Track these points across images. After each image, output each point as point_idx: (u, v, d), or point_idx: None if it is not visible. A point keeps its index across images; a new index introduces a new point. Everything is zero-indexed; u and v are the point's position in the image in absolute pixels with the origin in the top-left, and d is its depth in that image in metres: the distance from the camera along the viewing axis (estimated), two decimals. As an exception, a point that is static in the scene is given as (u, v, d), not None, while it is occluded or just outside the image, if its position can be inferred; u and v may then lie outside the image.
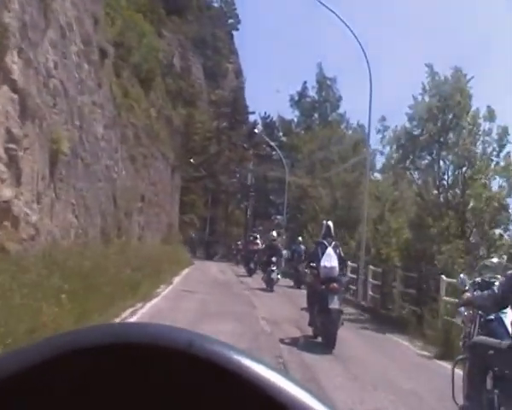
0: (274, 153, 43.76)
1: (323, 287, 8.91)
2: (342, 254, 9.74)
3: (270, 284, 19.17)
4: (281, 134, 44.01)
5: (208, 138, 46.45)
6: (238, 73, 78.39)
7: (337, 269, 9.15)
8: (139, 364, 0.60)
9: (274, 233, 22.39)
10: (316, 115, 42.91)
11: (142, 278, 14.22)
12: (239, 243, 38.01)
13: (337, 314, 8.83)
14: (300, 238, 24.31)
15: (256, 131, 37.16)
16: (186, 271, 24.15)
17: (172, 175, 35.18)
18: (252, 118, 48.64)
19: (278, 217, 46.90)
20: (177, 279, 19.78)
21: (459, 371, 4.92)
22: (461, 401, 4.62)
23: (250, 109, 48.68)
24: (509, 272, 4.08)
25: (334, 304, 8.76)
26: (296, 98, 43.07)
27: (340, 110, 40.72)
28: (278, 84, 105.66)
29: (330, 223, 9.83)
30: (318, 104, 42.44)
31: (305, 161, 30.86)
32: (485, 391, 4.20)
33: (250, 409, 0.58)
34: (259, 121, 48.24)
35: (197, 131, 51.71)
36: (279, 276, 20.41)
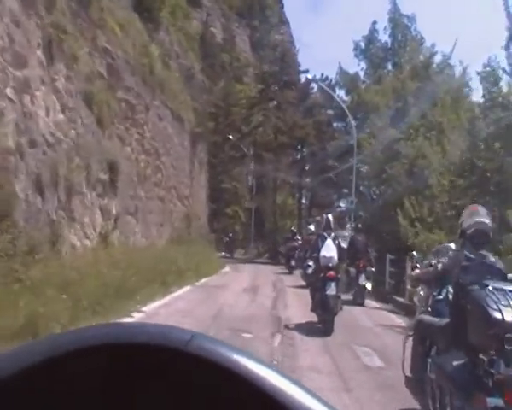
0: (335, 117, 33.33)
1: (322, 275, 9.31)
2: (342, 245, 10.22)
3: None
4: (342, 95, 33.45)
5: (251, 107, 36.30)
6: (289, 45, 67.09)
7: (335, 258, 9.48)
8: (137, 363, 0.60)
9: (311, 227, 20.61)
10: (389, 66, 32.12)
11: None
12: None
13: (334, 300, 9.17)
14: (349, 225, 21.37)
15: (308, 76, 26.58)
16: (185, 290, 14.13)
17: (193, 147, 25.35)
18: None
19: (342, 204, 36.32)
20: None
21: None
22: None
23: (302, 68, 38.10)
24: (453, 253, 4.52)
25: (331, 290, 9.12)
26: (362, 45, 32.46)
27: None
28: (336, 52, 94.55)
29: (330, 216, 10.32)
30: (392, 51, 31.65)
31: (382, 117, 20.37)
32: (426, 365, 4.50)
33: (249, 408, 0.58)
34: (315, 87, 37.76)
35: (238, 102, 41.83)
36: None
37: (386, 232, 16.13)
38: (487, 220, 4.35)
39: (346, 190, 35.79)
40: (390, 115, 19.31)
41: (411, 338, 4.96)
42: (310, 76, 26.67)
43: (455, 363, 3.92)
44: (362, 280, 13.69)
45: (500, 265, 4.23)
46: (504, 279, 4.09)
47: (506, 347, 3.59)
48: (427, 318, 4.79)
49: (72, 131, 11.88)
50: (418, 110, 17.19)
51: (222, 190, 43.54)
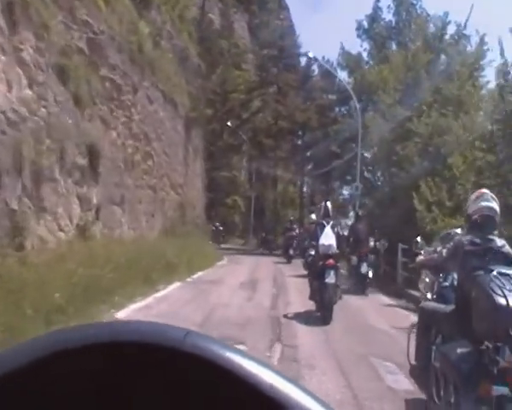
0: (337, 101, 31.82)
1: (321, 263, 9.18)
2: (341, 233, 10.25)
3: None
4: (345, 77, 31.91)
5: (249, 92, 34.74)
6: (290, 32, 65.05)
7: (334, 246, 9.31)
8: (131, 362, 0.60)
9: (313, 216, 18.52)
10: (393, 46, 30.54)
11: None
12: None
13: (333, 289, 9.03)
14: (353, 213, 19.58)
15: (310, 54, 24.99)
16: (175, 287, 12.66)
17: (187, 132, 23.87)
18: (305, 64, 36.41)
19: (344, 192, 34.99)
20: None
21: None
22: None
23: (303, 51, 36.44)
24: (457, 237, 4.35)
25: (330, 279, 8.99)
26: (366, 25, 30.88)
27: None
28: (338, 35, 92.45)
29: (329, 203, 10.10)
30: (396, 30, 30.09)
31: (390, 95, 18.78)
32: (430, 354, 4.38)
33: (244, 406, 0.59)
34: (316, 70, 36.24)
35: (237, 88, 40.26)
36: None
37: (398, 219, 14.68)
38: (494, 205, 4.19)
39: (349, 177, 34.46)
40: (399, 92, 17.76)
41: (415, 325, 4.87)
42: (311, 54, 24.82)
43: (459, 351, 3.81)
44: (364, 269, 13.31)
45: (507, 249, 4.05)
46: (511, 264, 3.93)
47: (511, 333, 3.49)
48: (432, 305, 4.73)
49: (43, 109, 10.43)
50: (431, 85, 15.70)
51: (220, 178, 42.11)
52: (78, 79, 12.15)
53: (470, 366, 3.66)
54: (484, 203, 4.19)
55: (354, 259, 13.73)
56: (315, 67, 36.00)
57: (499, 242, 4.09)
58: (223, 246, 34.54)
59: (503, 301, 3.53)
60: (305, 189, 40.67)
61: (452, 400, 3.75)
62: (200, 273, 15.40)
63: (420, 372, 4.61)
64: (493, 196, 4.31)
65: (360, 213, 19.36)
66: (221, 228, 35.38)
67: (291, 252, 24.24)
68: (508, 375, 3.54)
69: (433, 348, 4.45)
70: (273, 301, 11.18)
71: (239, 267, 19.97)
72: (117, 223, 14.58)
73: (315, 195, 35.30)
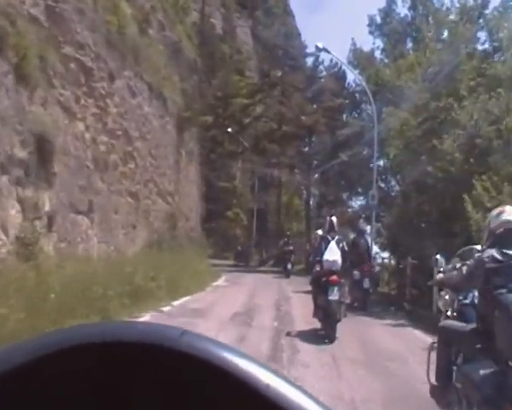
0: (347, 105, 29.01)
1: (324, 279, 9.00)
2: (346, 248, 9.72)
3: None
4: (355, 77, 29.08)
5: (252, 96, 31.98)
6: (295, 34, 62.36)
7: (339, 262, 9.11)
8: (127, 362, 0.60)
9: (319, 232, 17.20)
10: (409, 43, 27.82)
11: None
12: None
13: (337, 306, 8.84)
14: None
15: (319, 46, 22.05)
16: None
17: (180, 133, 21.08)
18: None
19: (354, 204, 32.20)
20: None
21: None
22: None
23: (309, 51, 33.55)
24: (477, 254, 4.19)
25: (334, 296, 8.81)
26: (378, 20, 28.15)
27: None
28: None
29: (334, 218, 9.87)
30: (413, 25, 27.34)
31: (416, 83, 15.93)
32: (451, 373, 4.36)
33: (240, 406, 0.58)
34: (324, 71, 33.49)
35: (239, 92, 37.54)
36: None
37: (431, 232, 11.82)
38: None
39: (359, 189, 31.62)
40: (426, 82, 14.88)
41: (436, 345, 4.66)
42: (321, 45, 22.00)
43: (482, 372, 3.73)
44: (366, 284, 13.22)
45: None
46: None
47: None
48: (453, 323, 4.58)
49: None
50: (469, 68, 12.88)
51: (220, 189, 39.34)
52: (24, 49, 9.40)
53: (493, 387, 3.56)
54: (506, 218, 4.10)
55: (356, 273, 13.38)
56: (322, 68, 33.25)
57: None
58: (219, 262, 31.78)
59: None
60: (311, 201, 37.75)
61: None
62: (185, 299, 12.54)
63: (441, 392, 4.49)
64: None
65: (362, 226, 18.15)
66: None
67: (289, 267, 24.04)
68: None
69: (454, 367, 4.36)
70: (274, 343, 8.27)
71: (236, 289, 17.10)
72: (82, 236, 11.76)
73: (322, 206, 32.36)
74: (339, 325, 8.89)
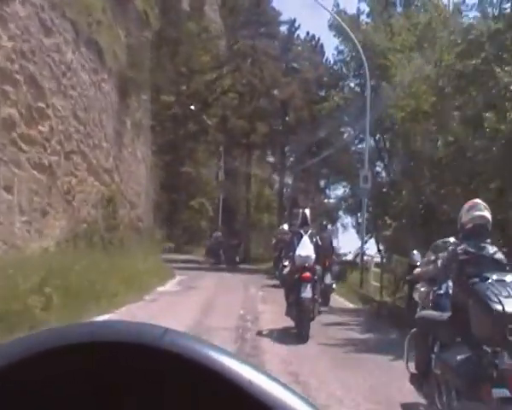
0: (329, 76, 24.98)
1: (297, 276, 8.71)
2: (319, 243, 9.53)
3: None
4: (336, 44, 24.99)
5: (219, 67, 27.67)
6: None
7: (312, 258, 8.83)
8: (110, 361, 0.60)
9: (285, 226, 19.09)
10: (399, 7, 23.96)
11: None
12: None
13: (310, 304, 8.57)
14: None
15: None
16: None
17: (123, 99, 16.70)
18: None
19: (337, 192, 28.48)
20: None
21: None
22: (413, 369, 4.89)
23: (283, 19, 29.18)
24: (451, 247, 4.42)
25: (307, 293, 8.50)
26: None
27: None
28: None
29: (307, 211, 9.64)
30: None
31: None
32: (430, 361, 4.51)
33: (224, 404, 0.58)
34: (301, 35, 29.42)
35: (205, 67, 33.19)
36: None
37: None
38: (486, 214, 4.30)
39: (341, 177, 27.72)
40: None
41: (414, 334, 4.89)
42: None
43: (459, 357, 3.93)
44: (328, 279, 12.82)
45: (499, 256, 4.20)
46: (504, 270, 4.08)
47: (509, 338, 3.62)
48: (429, 313, 4.79)
49: None
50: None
51: (182, 175, 35.08)
52: None
53: (470, 370, 3.76)
54: (477, 213, 4.27)
55: (318, 269, 11.98)
56: (298, 40, 29.16)
57: (491, 249, 4.21)
58: (181, 257, 27.48)
59: (499, 307, 3.64)
60: (284, 190, 33.66)
61: (455, 404, 3.87)
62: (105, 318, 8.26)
63: (421, 380, 4.62)
64: (485, 205, 4.34)
65: (325, 222, 17.27)
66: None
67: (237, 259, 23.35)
68: (507, 377, 3.62)
69: (433, 355, 4.45)
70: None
71: (187, 297, 12.96)
72: None
73: (297, 196, 28.24)
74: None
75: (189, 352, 0.58)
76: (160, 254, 21.00)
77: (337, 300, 13.69)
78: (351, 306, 13.30)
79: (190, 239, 38.71)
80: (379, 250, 21.94)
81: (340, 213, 29.61)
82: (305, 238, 8.93)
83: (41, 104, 11.26)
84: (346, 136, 26.84)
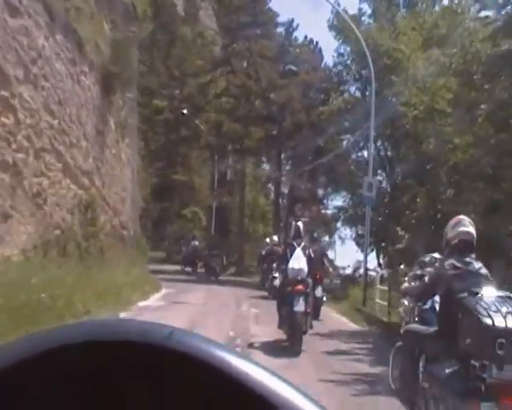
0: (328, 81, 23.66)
1: (289, 289, 8.62)
2: (312, 256, 9.43)
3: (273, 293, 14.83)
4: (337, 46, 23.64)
5: (213, 69, 26.34)
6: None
7: (305, 271, 8.78)
8: (116, 361, 0.60)
9: (275, 237, 19.81)
10: (402, 8, 22.71)
11: None
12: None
13: (302, 317, 8.53)
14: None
15: None
16: None
17: (106, 95, 15.29)
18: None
19: (336, 202, 27.20)
20: None
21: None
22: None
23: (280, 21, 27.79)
24: (438, 264, 4.71)
25: (300, 307, 8.46)
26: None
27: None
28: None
29: (300, 223, 9.59)
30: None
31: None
32: (417, 375, 4.50)
33: (230, 403, 0.58)
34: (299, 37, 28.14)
35: (199, 70, 31.88)
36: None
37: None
38: (471, 229, 4.36)
39: (340, 186, 26.36)
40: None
41: (399, 348, 4.90)
42: None
43: (447, 370, 3.94)
44: (319, 292, 12.36)
45: (484, 271, 4.26)
46: (491, 285, 4.12)
47: (497, 352, 3.65)
48: (415, 327, 4.82)
49: None
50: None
51: (175, 183, 33.68)
52: None
53: (458, 384, 3.77)
54: (462, 229, 4.33)
55: (309, 281, 12.09)
56: (298, 35, 27.87)
57: (477, 264, 4.25)
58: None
59: (488, 321, 3.66)
60: (280, 200, 32.24)
61: None
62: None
63: (408, 394, 4.59)
64: (470, 221, 4.43)
65: (316, 234, 17.43)
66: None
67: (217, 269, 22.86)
68: (495, 391, 3.64)
69: (420, 369, 4.45)
70: None
71: (172, 313, 11.49)
72: None
73: (295, 204, 26.81)
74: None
75: (196, 351, 0.58)
76: (146, 265, 19.57)
77: (339, 320, 12.34)
78: (355, 327, 11.88)
79: (181, 249, 37.27)
80: (379, 264, 20.58)
81: (339, 224, 28.29)
82: (298, 251, 8.86)
83: (4, 93, 9.87)
84: (345, 143, 25.56)
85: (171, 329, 0.60)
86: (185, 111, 28.91)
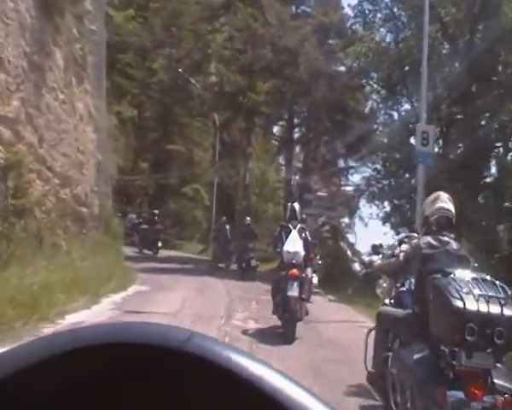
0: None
1: (284, 273, 8.41)
2: (309, 238, 9.26)
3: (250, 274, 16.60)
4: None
5: (214, 16, 21.78)
6: None
7: (301, 254, 8.53)
8: (135, 363, 0.60)
9: (248, 218, 18.64)
10: None
11: None
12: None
13: (296, 303, 8.22)
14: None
15: None
16: None
17: (46, 17, 10.87)
18: None
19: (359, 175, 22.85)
20: None
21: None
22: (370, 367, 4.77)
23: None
24: (414, 241, 4.40)
25: (293, 291, 8.18)
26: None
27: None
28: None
29: (296, 205, 9.31)
30: None
31: None
32: (387, 360, 4.40)
33: (247, 408, 0.59)
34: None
35: (198, 19, 27.52)
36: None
37: None
38: (450, 206, 4.16)
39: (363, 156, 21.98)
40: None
41: (374, 331, 4.75)
42: None
43: (416, 356, 3.76)
44: (308, 273, 10.91)
45: (464, 251, 4.08)
46: (468, 267, 3.90)
47: (467, 337, 3.41)
48: (389, 309, 4.65)
49: None
50: None
51: (172, 156, 29.45)
52: None
53: (426, 370, 3.62)
54: (441, 204, 4.14)
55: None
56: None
57: (455, 245, 4.07)
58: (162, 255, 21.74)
59: (460, 304, 3.43)
60: (292, 176, 27.81)
61: (409, 406, 3.68)
62: None
63: (377, 379, 4.49)
64: (449, 197, 4.22)
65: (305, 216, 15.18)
66: (156, 219, 22.64)
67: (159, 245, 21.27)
68: (463, 380, 3.47)
69: (390, 354, 4.34)
70: None
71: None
72: None
73: (310, 177, 22.32)
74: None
75: (215, 356, 0.58)
76: (120, 253, 15.38)
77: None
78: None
79: (182, 231, 33.10)
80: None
81: (360, 204, 23.95)
82: (294, 233, 8.67)
83: None
84: (373, 101, 21.13)
85: (190, 332, 0.60)
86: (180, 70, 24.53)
